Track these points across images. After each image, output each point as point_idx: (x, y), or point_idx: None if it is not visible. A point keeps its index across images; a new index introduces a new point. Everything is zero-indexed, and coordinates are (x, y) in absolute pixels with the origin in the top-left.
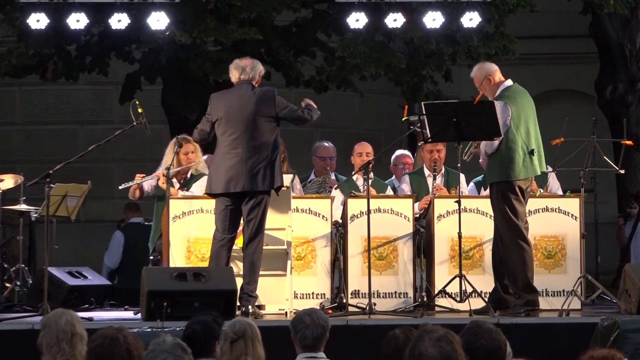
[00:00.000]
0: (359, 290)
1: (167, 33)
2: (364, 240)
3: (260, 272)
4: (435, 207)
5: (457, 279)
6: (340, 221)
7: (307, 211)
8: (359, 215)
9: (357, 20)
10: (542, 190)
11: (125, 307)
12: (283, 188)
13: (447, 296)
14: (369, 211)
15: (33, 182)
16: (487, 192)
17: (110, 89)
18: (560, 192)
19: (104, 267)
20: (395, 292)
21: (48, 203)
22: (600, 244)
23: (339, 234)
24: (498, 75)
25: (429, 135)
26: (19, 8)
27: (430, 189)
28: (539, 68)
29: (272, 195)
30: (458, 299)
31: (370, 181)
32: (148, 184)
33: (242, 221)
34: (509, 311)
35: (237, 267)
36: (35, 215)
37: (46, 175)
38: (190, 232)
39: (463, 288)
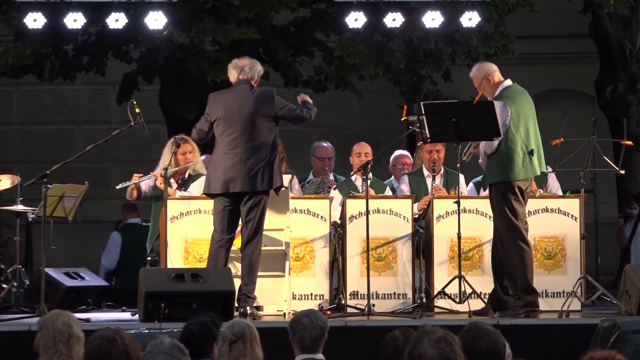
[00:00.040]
0: (357, 291)
1: (164, 33)
2: (362, 241)
3: (259, 273)
4: (434, 207)
5: (457, 280)
6: (339, 222)
7: (306, 212)
8: (357, 216)
9: (355, 19)
10: (541, 191)
11: (123, 308)
12: (282, 188)
13: (446, 297)
14: (367, 212)
15: (30, 182)
16: (487, 192)
17: (107, 89)
18: (560, 193)
19: (101, 268)
20: (394, 293)
21: (45, 203)
22: (600, 244)
23: (337, 234)
24: (497, 75)
25: (428, 136)
26: (15, 7)
27: (430, 190)
28: (539, 68)
29: (270, 195)
30: (457, 300)
31: (369, 181)
32: (145, 184)
33: (240, 222)
34: (509, 312)
35: (235, 268)
36: (32, 215)
37: (43, 175)
38: (188, 232)
39: (462, 289)
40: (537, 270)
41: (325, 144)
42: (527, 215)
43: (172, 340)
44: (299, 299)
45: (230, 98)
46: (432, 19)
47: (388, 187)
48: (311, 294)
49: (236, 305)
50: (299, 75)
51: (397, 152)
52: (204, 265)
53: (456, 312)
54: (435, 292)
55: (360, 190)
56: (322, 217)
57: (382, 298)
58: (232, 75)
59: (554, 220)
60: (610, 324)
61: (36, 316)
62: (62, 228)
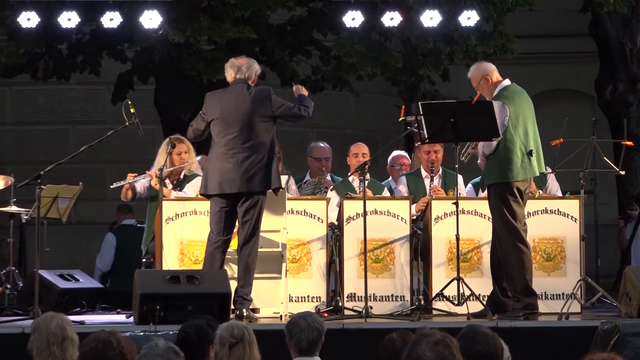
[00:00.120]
0: (355, 293)
1: (160, 32)
2: (360, 242)
3: (255, 275)
4: (432, 208)
5: (455, 282)
6: (336, 223)
7: (303, 213)
8: (355, 217)
9: (353, 18)
10: (541, 192)
11: (118, 310)
12: (280, 189)
13: (444, 299)
14: (365, 213)
15: (23, 183)
16: (485, 193)
17: (102, 89)
18: (559, 194)
19: (95, 269)
20: (392, 295)
21: (39, 205)
22: (600, 246)
23: (334, 236)
24: (495, 75)
25: (426, 136)
26: (9, 6)
27: (428, 191)
28: (538, 67)
29: (267, 196)
30: (456, 302)
31: (366, 182)
32: (140, 184)
33: (237, 223)
34: (508, 314)
35: (232, 269)
36: (26, 217)
37: (37, 176)
38: (183, 234)
39: (461, 291)
40: (537, 272)
41: (322, 144)
42: (526, 217)
43: (167, 342)
44: (295, 301)
45: (228, 98)
46: (431, 18)
47: (386, 188)
48: (308, 296)
49: (232, 307)
50: (295, 75)
51: (395, 153)
52: (199, 267)
53: (455, 314)
54: (434, 294)
55: (357, 191)
56: (319, 218)
57: (379, 300)
58: (229, 74)
59: (554, 222)
60: (610, 327)
61: (30, 318)
62: (56, 229)
